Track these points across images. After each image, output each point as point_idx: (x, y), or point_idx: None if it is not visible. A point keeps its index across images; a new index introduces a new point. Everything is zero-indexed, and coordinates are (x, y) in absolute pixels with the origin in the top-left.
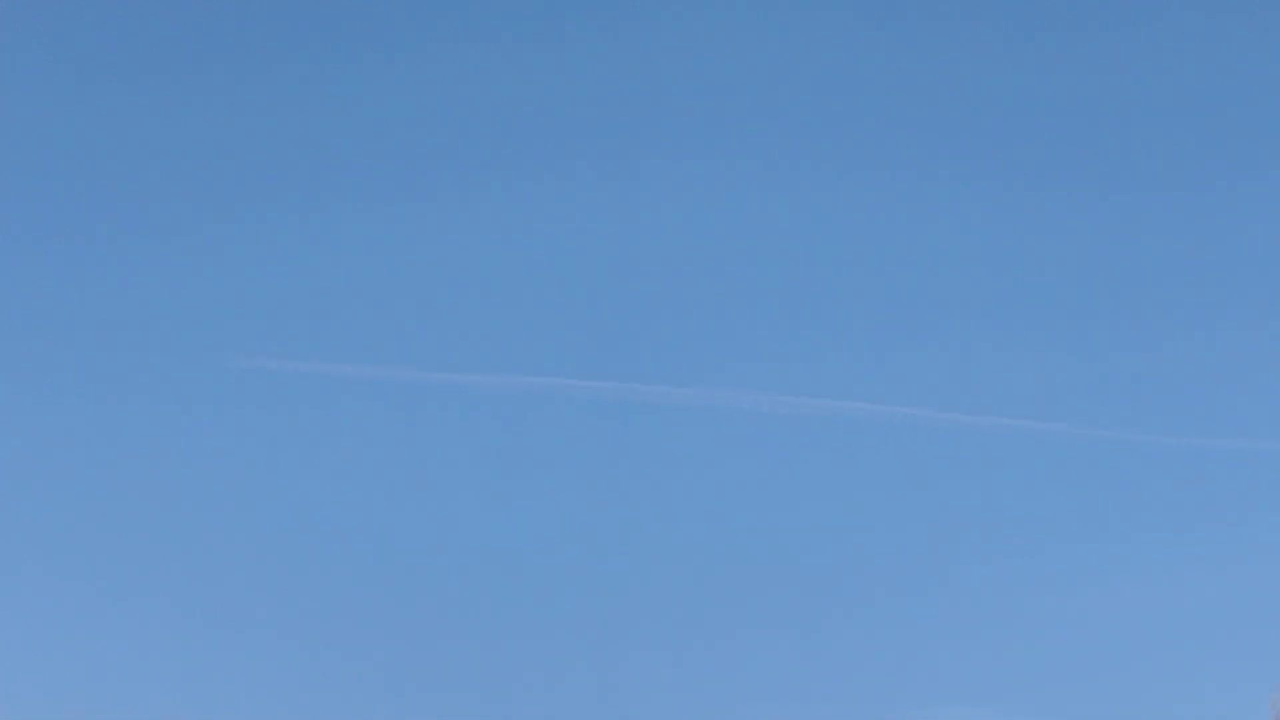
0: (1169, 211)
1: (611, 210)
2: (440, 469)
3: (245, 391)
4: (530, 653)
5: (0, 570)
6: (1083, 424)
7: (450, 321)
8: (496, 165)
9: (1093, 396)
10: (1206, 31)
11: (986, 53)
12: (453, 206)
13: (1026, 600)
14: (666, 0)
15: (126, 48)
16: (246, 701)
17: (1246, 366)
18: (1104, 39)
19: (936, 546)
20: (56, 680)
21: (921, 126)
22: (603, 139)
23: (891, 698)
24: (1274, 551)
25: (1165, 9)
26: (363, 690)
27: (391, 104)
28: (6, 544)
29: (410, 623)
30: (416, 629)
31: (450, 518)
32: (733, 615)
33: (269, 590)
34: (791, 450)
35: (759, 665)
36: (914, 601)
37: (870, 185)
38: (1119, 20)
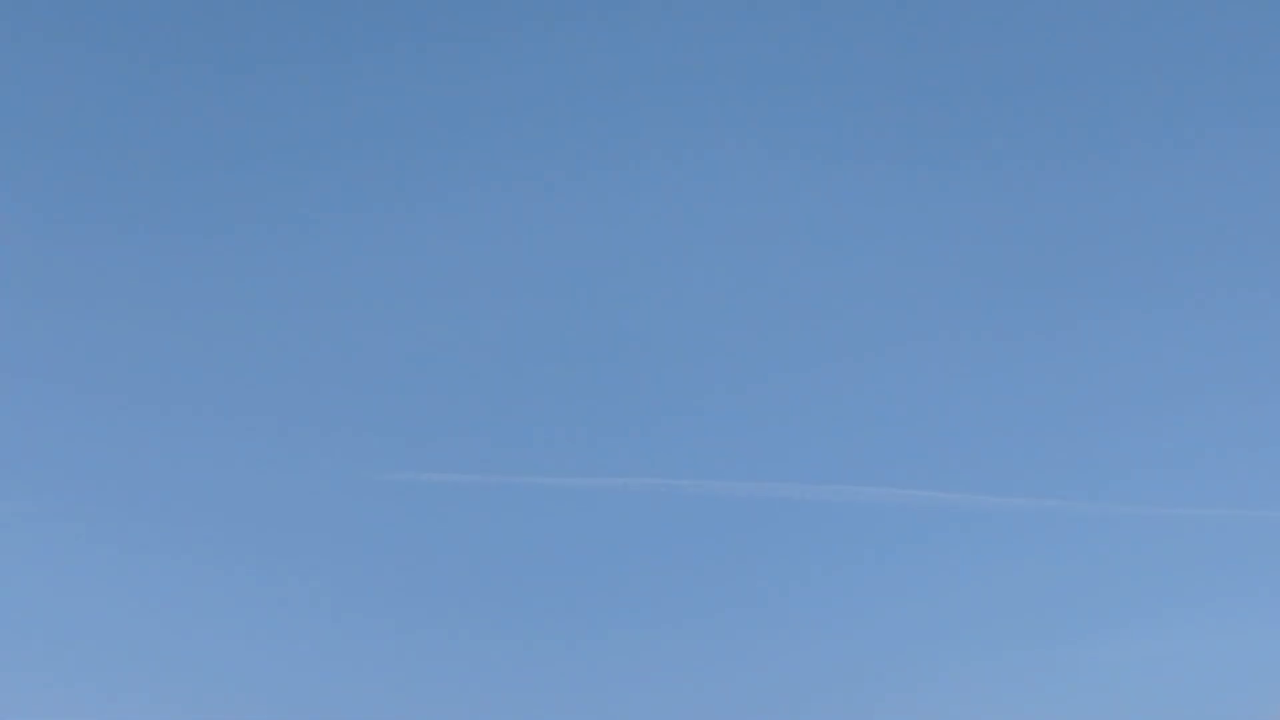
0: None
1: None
2: (546, 557)
3: (394, 499)
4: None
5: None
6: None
7: (543, 432)
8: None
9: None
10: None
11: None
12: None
13: (1039, 661)
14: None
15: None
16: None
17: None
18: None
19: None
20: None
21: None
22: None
23: None
24: (1252, 615)
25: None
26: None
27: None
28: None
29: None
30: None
31: (555, 595)
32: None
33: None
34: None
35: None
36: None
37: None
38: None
